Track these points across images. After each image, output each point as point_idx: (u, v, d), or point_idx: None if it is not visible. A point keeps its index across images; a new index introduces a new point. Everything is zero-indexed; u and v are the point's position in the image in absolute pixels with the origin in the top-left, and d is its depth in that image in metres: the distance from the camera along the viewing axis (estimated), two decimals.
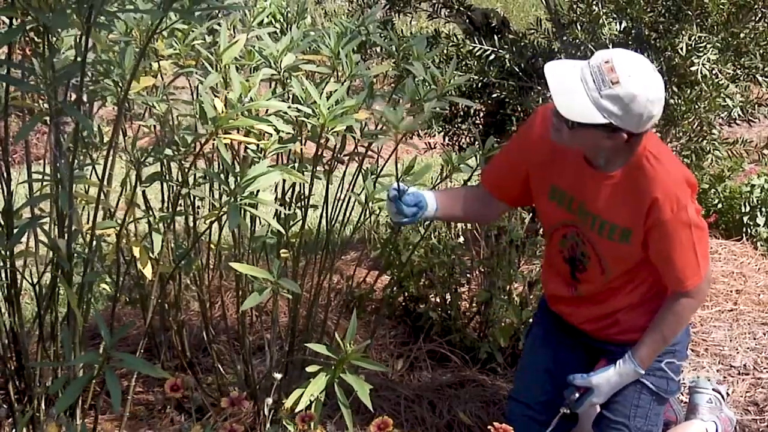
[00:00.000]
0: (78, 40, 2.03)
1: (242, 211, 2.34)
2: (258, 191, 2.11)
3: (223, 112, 2.07)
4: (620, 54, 2.20)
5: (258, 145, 2.33)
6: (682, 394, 3.09)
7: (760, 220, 4.50)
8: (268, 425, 2.44)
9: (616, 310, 2.53)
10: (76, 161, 2.21)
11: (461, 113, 3.88)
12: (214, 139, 2.15)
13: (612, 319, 2.55)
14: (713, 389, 2.94)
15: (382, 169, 2.76)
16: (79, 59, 2.07)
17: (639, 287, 2.50)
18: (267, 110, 2.37)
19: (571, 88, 2.19)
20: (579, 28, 3.18)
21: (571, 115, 2.20)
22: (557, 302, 2.67)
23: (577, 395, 2.52)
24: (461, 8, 3.82)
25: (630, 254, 2.41)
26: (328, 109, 2.33)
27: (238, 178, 2.06)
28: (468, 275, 3.57)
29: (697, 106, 3.09)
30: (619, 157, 2.32)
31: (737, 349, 3.53)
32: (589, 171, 2.39)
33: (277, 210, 2.70)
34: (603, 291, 2.52)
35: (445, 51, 3.57)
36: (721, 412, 2.90)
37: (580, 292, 2.57)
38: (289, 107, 2.37)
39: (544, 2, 3.55)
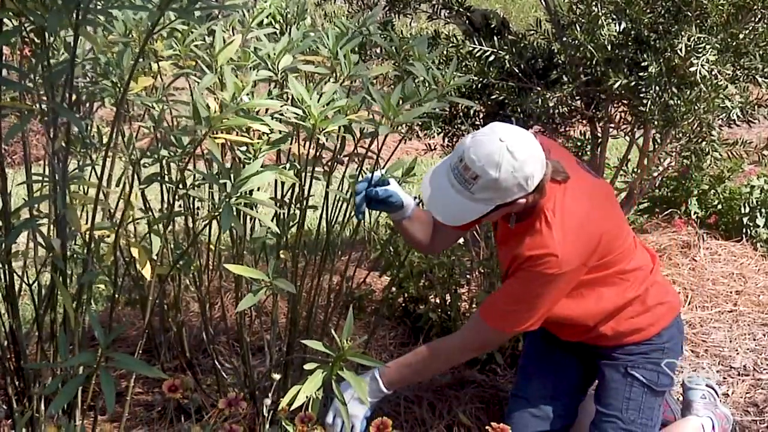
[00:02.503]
0: (74, 39, 2.03)
1: (238, 212, 2.34)
2: (252, 191, 2.10)
3: (215, 111, 2.07)
4: (469, 146, 2.22)
5: (250, 146, 2.33)
6: (680, 395, 3.09)
7: (760, 221, 4.50)
8: (267, 426, 2.44)
9: (591, 326, 2.55)
10: (72, 161, 2.21)
11: (461, 114, 3.88)
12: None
13: (595, 332, 2.57)
14: (706, 385, 2.94)
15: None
16: (76, 60, 2.07)
17: (602, 299, 2.51)
18: (267, 110, 2.37)
19: (447, 201, 2.26)
20: (579, 29, 3.18)
21: (461, 221, 2.29)
22: None
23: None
24: (461, 9, 3.82)
25: None
26: (321, 110, 2.33)
27: (232, 178, 2.06)
28: (468, 276, 3.57)
29: (696, 107, 3.09)
30: (527, 209, 2.35)
31: (737, 350, 3.53)
32: (500, 220, 2.47)
33: (276, 211, 2.70)
34: (561, 316, 2.55)
35: (444, 52, 3.57)
36: (716, 407, 2.90)
37: None
38: (283, 106, 2.37)
39: (543, 3, 3.55)
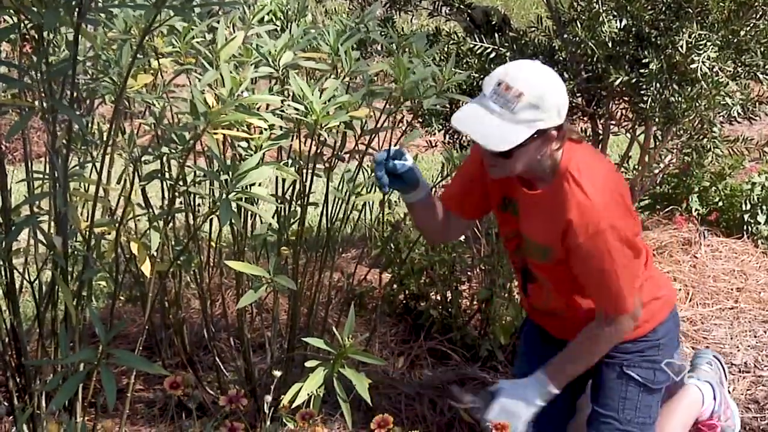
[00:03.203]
0: (75, 37, 2.03)
1: (238, 208, 2.34)
2: (251, 186, 2.10)
3: (213, 107, 2.07)
4: (505, 70, 2.21)
5: (248, 142, 2.33)
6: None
7: (761, 218, 4.49)
8: (268, 423, 2.44)
9: (587, 323, 2.54)
10: (73, 159, 2.21)
11: None
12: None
13: None
14: (713, 355, 2.94)
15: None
16: (75, 56, 2.07)
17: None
18: (268, 106, 2.37)
19: (488, 125, 2.20)
20: (579, 25, 3.18)
21: (505, 145, 2.21)
22: (531, 314, 2.70)
23: (489, 396, 2.49)
24: (462, 6, 3.81)
25: (552, 271, 2.44)
26: (322, 106, 2.33)
27: (231, 173, 2.06)
28: (469, 273, 3.57)
29: (697, 104, 3.09)
30: (548, 169, 2.32)
31: (738, 347, 3.53)
32: (519, 189, 2.41)
33: (277, 207, 2.70)
34: (563, 307, 2.53)
35: (445, 49, 3.57)
36: (721, 386, 2.87)
37: (536, 306, 2.59)
38: (283, 102, 2.37)
39: (544, 0, 3.55)
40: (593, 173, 2.33)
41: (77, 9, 1.92)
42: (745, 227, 4.52)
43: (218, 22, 2.51)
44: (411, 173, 2.40)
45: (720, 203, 4.63)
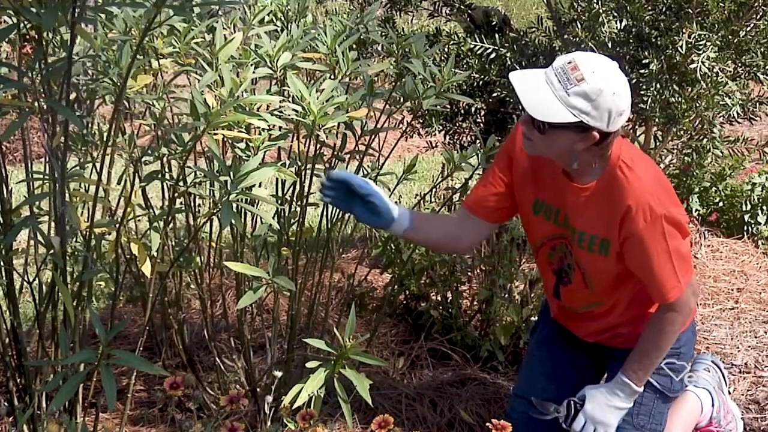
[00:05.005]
0: (71, 37, 2.03)
1: (239, 209, 2.33)
2: (252, 187, 2.10)
3: (213, 107, 2.07)
4: (581, 54, 2.20)
5: (248, 143, 2.33)
6: None
7: (761, 219, 4.50)
8: (268, 423, 2.44)
9: (618, 324, 2.52)
10: (74, 159, 2.20)
11: (462, 111, 3.88)
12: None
13: (614, 332, 2.53)
14: (712, 361, 2.93)
15: (382, 167, 2.76)
16: (74, 57, 2.07)
17: (634, 301, 2.48)
18: (268, 107, 2.37)
19: (539, 91, 2.18)
20: (579, 26, 3.18)
21: (542, 115, 2.19)
22: (557, 315, 2.68)
23: (572, 406, 2.48)
24: (462, 6, 3.82)
25: (607, 266, 2.40)
26: (320, 106, 2.33)
27: (231, 174, 2.06)
28: (469, 273, 3.57)
29: (697, 105, 3.09)
30: (593, 164, 2.30)
31: (738, 348, 3.53)
32: (567, 184, 2.38)
33: (277, 208, 2.70)
34: (599, 309, 2.51)
35: (445, 49, 3.57)
36: (721, 392, 2.86)
37: (570, 308, 2.57)
38: (282, 101, 2.37)
39: (545, 0, 3.55)
40: (643, 162, 2.35)
41: (73, 9, 1.92)
42: (745, 228, 4.53)
43: (217, 22, 2.52)
44: (380, 200, 2.34)
45: (720, 204, 4.63)
